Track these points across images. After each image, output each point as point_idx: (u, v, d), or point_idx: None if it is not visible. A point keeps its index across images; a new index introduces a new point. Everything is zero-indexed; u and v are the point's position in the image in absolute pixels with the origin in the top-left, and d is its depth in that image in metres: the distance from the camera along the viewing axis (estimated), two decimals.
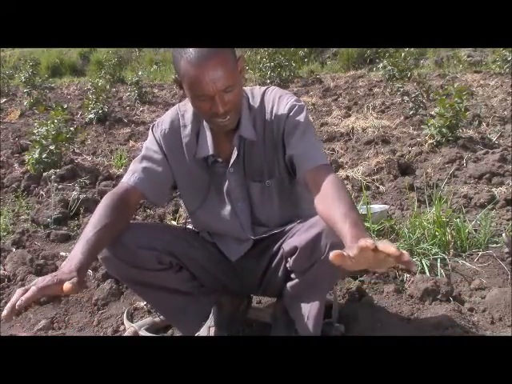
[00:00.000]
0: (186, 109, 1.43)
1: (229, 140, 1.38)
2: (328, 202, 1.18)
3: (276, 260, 1.45)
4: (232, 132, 1.36)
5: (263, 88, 1.43)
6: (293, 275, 1.38)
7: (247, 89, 1.43)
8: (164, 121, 1.44)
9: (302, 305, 1.40)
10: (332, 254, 0.89)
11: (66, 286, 1.03)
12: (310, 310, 1.38)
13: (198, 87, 1.19)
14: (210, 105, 1.22)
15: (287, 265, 1.37)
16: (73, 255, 1.15)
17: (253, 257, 1.50)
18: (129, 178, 1.38)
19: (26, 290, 1.02)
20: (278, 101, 1.38)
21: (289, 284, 1.40)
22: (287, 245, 1.35)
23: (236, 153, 1.38)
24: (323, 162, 1.29)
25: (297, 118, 1.34)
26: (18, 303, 1.00)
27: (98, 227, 1.21)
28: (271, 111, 1.37)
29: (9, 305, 1.01)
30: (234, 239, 1.50)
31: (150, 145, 1.43)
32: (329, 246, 1.23)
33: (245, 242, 1.49)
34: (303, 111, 1.36)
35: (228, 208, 1.45)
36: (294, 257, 1.32)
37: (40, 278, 1.07)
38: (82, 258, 1.14)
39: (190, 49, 1.17)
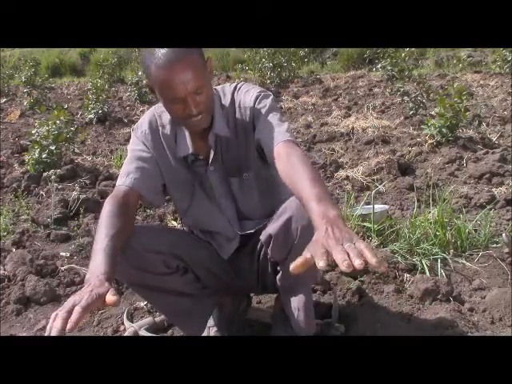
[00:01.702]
0: (162, 110, 1.43)
1: (205, 139, 1.40)
2: (293, 176, 1.17)
3: (263, 254, 1.46)
4: (208, 131, 1.38)
5: (233, 85, 1.46)
6: (278, 267, 1.39)
7: (218, 88, 1.46)
8: (142, 123, 1.46)
9: (292, 299, 1.41)
10: (292, 268, 0.89)
11: (110, 298, 0.99)
12: (298, 303, 1.40)
13: (170, 90, 1.21)
14: (183, 107, 1.24)
15: (268, 256, 1.38)
16: (95, 267, 1.11)
17: (246, 254, 1.51)
18: (124, 181, 1.37)
19: (69, 312, 0.96)
20: (245, 95, 1.40)
21: (277, 277, 1.41)
22: (263, 235, 1.35)
23: (213, 151, 1.40)
24: (285, 138, 1.28)
25: (261, 105, 1.37)
26: (68, 327, 0.93)
27: (109, 236, 1.19)
28: (239, 105, 1.40)
29: (56, 330, 0.93)
30: (224, 237, 1.51)
31: (135, 146, 1.44)
32: (300, 229, 1.23)
33: (233, 240, 1.50)
34: (268, 98, 1.39)
35: (214, 205, 1.47)
36: (270, 246, 1.32)
37: (75, 296, 1.01)
38: (106, 267, 1.10)
39: (159, 53, 1.19)
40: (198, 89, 1.22)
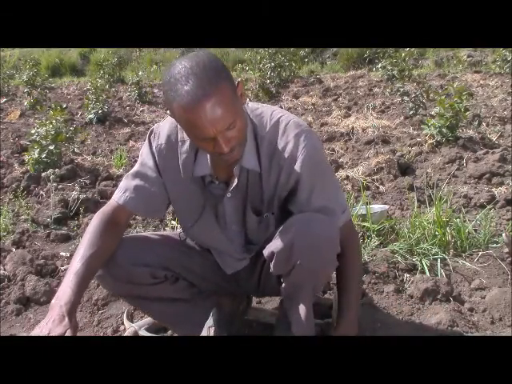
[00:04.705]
0: None
1: (230, 166, 1.28)
2: (342, 272, 1.38)
3: (267, 265, 1.44)
4: None
5: (275, 116, 1.30)
6: (282, 279, 1.38)
7: (255, 112, 1.31)
8: (161, 134, 1.34)
9: (294, 308, 1.39)
10: None
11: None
12: (300, 312, 1.38)
13: (197, 131, 1.10)
14: (212, 145, 1.13)
15: (270, 270, 1.36)
16: (62, 291, 1.16)
17: (246, 266, 1.50)
18: (119, 197, 1.34)
19: None
20: (294, 140, 1.26)
21: (282, 287, 1.40)
22: (266, 250, 1.33)
23: (236, 181, 1.31)
24: (344, 221, 1.33)
25: (313, 163, 1.27)
26: None
27: (85, 257, 1.21)
28: (283, 148, 1.27)
29: None
30: (229, 256, 1.49)
31: (145, 158, 1.36)
32: (302, 249, 1.23)
33: (242, 260, 1.48)
34: (319, 154, 1.30)
35: (222, 229, 1.42)
36: (272, 262, 1.31)
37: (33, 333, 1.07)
38: (71, 295, 1.15)
39: (182, 90, 1.05)
40: (230, 125, 1.10)
